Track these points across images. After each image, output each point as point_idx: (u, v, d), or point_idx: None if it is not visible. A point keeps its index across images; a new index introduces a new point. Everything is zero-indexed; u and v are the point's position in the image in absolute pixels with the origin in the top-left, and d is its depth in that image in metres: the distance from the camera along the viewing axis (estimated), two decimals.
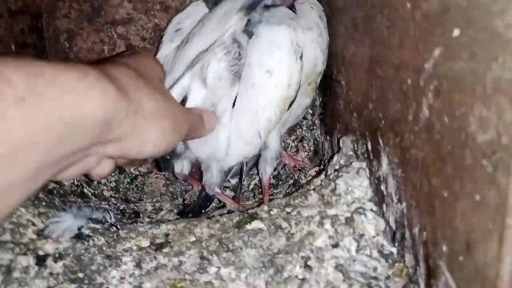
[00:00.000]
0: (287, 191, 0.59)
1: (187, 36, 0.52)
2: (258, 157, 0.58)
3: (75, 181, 0.63)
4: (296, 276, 0.34)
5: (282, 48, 0.48)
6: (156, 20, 0.67)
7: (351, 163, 0.42)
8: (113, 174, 0.67)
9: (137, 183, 0.68)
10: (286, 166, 0.64)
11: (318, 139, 0.63)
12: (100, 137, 0.29)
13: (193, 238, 0.42)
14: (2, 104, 0.23)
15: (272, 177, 0.63)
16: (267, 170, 0.57)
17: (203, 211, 0.60)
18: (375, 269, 0.33)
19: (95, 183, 0.65)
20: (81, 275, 0.38)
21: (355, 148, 0.44)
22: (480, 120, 0.22)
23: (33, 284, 0.37)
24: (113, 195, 0.65)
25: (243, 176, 0.62)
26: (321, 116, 0.62)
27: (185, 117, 0.38)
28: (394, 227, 0.34)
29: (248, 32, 0.51)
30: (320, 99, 0.62)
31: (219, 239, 0.41)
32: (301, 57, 0.49)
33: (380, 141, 0.37)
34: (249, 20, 0.52)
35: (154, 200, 0.65)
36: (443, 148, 0.26)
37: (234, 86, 0.50)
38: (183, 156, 0.56)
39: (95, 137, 0.28)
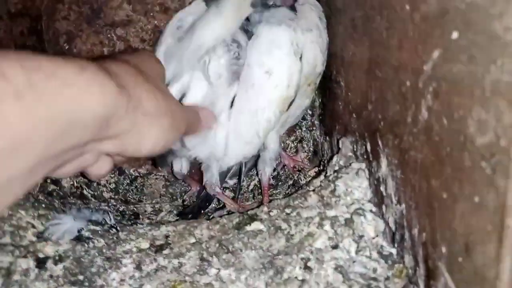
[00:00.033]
0: (287, 192, 0.59)
1: (190, 29, 0.52)
2: (257, 158, 0.59)
3: (75, 182, 0.63)
4: (296, 277, 0.34)
5: (282, 48, 0.49)
6: (156, 22, 0.67)
7: (350, 164, 0.42)
8: (112, 176, 0.68)
9: (136, 184, 0.68)
10: (285, 167, 0.64)
11: (318, 139, 0.63)
12: (99, 132, 0.29)
13: (193, 240, 0.42)
14: (0, 99, 0.23)
15: (272, 178, 0.63)
16: (266, 171, 0.57)
17: (202, 211, 0.60)
18: (374, 270, 0.33)
19: (95, 184, 0.65)
20: (81, 277, 0.38)
21: (355, 149, 0.44)
22: (479, 123, 0.22)
23: (33, 287, 0.37)
24: (112, 196, 0.65)
25: (242, 176, 0.62)
26: (320, 117, 0.62)
27: (184, 115, 0.38)
28: (393, 228, 0.34)
29: (248, 32, 0.52)
30: (320, 100, 0.62)
31: (219, 241, 0.41)
32: (300, 58, 0.49)
33: (379, 142, 0.37)
34: (248, 20, 0.52)
35: (153, 201, 0.65)
36: (442, 150, 0.26)
37: (232, 86, 0.50)
38: (180, 155, 0.56)
39: (94, 133, 0.28)
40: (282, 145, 0.66)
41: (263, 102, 0.50)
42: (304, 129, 0.66)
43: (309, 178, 0.57)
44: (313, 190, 0.42)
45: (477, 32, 0.22)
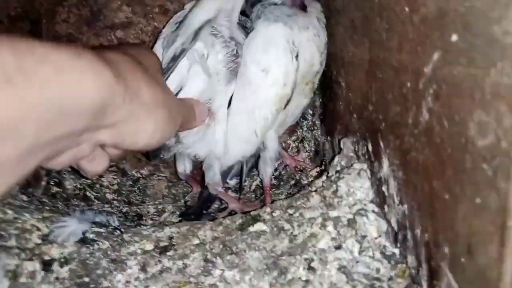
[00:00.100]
0: (289, 192, 0.60)
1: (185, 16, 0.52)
2: (258, 158, 0.59)
3: (78, 184, 0.63)
4: (300, 278, 0.35)
5: (278, 46, 0.49)
6: (155, 24, 0.68)
7: (352, 165, 0.42)
8: (115, 177, 0.68)
9: (139, 185, 0.68)
10: (287, 167, 0.64)
11: (319, 139, 0.63)
12: (95, 121, 0.28)
13: (196, 241, 0.42)
14: None
15: (274, 178, 0.63)
16: (267, 171, 0.58)
17: (204, 212, 0.60)
18: (377, 270, 0.34)
19: (98, 186, 0.65)
20: (87, 279, 0.39)
21: (356, 149, 0.44)
22: (480, 125, 0.22)
23: None
24: (115, 198, 0.65)
25: (244, 176, 0.62)
26: (321, 117, 0.62)
27: (180, 108, 0.38)
28: (396, 228, 0.35)
29: (245, 29, 0.52)
30: (320, 100, 0.62)
31: (222, 242, 0.41)
32: (297, 56, 0.49)
33: (381, 143, 0.37)
34: (246, 15, 0.52)
35: (156, 202, 0.65)
36: (443, 152, 0.26)
37: (231, 84, 0.51)
38: (176, 151, 0.56)
39: (89, 121, 0.28)
40: (284, 145, 0.66)
41: (259, 100, 0.50)
42: (305, 129, 0.66)
43: (311, 178, 0.57)
44: (315, 191, 0.43)
45: (476, 35, 0.22)
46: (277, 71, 0.49)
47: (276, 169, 0.63)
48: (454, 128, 0.25)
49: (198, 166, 0.62)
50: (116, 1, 0.67)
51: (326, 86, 0.57)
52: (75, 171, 0.48)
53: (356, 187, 0.40)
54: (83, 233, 0.44)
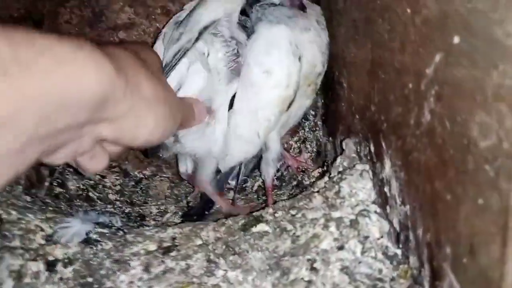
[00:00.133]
0: (291, 193, 0.60)
1: (187, 15, 0.53)
2: (259, 159, 0.59)
3: (81, 185, 0.64)
4: (302, 279, 0.35)
5: (280, 48, 0.49)
6: (158, 24, 0.68)
7: (354, 166, 0.42)
8: (117, 178, 0.68)
9: (141, 186, 0.68)
10: (289, 168, 0.64)
11: (321, 140, 0.63)
12: (95, 114, 0.28)
13: (199, 242, 0.42)
14: None
15: (276, 179, 0.63)
16: (269, 172, 0.58)
17: (206, 213, 0.60)
18: (380, 271, 0.34)
19: (100, 186, 0.66)
20: (90, 279, 0.39)
21: (358, 150, 0.45)
22: (481, 126, 0.22)
23: None
24: (118, 198, 0.66)
25: (240, 177, 0.62)
26: (323, 118, 0.63)
27: (180, 106, 0.38)
28: (398, 229, 0.35)
29: (246, 29, 0.52)
30: (322, 101, 0.62)
31: (225, 242, 0.41)
32: (299, 58, 0.50)
33: (383, 143, 0.37)
34: (247, 16, 0.53)
35: (159, 203, 0.65)
36: (445, 153, 0.26)
37: (232, 83, 0.51)
38: (175, 150, 0.56)
39: (89, 114, 0.27)
40: (285, 145, 0.66)
41: (262, 102, 0.50)
42: (307, 129, 0.66)
43: (313, 179, 0.57)
44: (318, 192, 0.43)
45: (478, 37, 0.22)
46: (280, 73, 0.49)
47: (278, 170, 0.63)
48: (456, 129, 0.25)
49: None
50: (119, 2, 0.67)
51: (328, 87, 0.57)
52: (75, 170, 0.48)
53: (359, 188, 0.40)
54: (87, 234, 0.44)
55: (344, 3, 0.49)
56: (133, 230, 0.47)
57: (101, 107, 0.28)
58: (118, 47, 0.32)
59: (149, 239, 0.44)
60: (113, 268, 0.40)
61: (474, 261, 0.24)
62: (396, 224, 0.35)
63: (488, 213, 0.22)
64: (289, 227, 0.40)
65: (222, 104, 0.51)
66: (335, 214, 0.39)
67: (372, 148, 0.40)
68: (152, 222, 0.59)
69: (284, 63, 0.49)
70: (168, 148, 0.56)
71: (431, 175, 0.28)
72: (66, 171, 0.64)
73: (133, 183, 0.68)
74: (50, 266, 0.40)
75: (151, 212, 0.62)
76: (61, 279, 0.39)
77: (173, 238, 0.43)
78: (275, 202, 0.51)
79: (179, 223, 0.54)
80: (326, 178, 0.45)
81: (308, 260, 0.36)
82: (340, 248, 0.36)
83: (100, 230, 0.45)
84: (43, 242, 0.43)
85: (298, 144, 0.67)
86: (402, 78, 0.33)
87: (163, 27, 0.58)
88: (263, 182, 0.60)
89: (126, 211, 0.62)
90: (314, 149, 0.65)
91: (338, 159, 0.46)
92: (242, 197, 0.65)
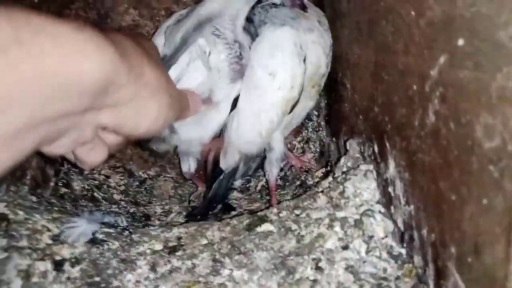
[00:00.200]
0: (294, 192, 0.60)
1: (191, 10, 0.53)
2: (263, 159, 0.59)
3: (86, 185, 0.64)
4: (308, 278, 0.35)
5: (285, 50, 0.49)
6: None
7: (358, 166, 0.43)
8: (122, 178, 0.69)
9: (146, 186, 0.69)
10: (292, 167, 0.65)
11: (324, 140, 0.63)
12: (97, 100, 0.27)
13: (205, 241, 0.43)
14: None
15: (279, 178, 0.64)
16: (273, 172, 0.58)
17: (210, 213, 0.61)
18: (384, 270, 0.34)
19: (105, 187, 0.66)
20: (97, 279, 0.39)
21: (362, 151, 0.45)
22: (486, 128, 0.23)
23: None
24: (123, 198, 0.66)
25: (238, 174, 0.62)
26: (326, 118, 0.63)
27: (179, 97, 0.37)
28: (402, 228, 0.35)
29: (250, 33, 0.52)
30: (325, 101, 0.62)
31: (230, 242, 0.42)
32: (304, 60, 0.50)
33: (387, 144, 0.38)
34: (250, 21, 0.53)
35: (163, 202, 0.66)
36: (450, 154, 0.26)
37: (235, 83, 0.51)
38: (171, 141, 0.57)
39: (91, 99, 0.26)
40: (289, 145, 0.67)
41: (266, 104, 0.50)
42: (310, 130, 0.66)
43: (317, 179, 0.58)
44: (322, 192, 0.43)
45: (482, 40, 0.23)
46: (284, 75, 0.49)
47: (281, 170, 0.64)
48: (461, 131, 0.25)
49: (203, 165, 0.63)
50: (123, 4, 0.67)
51: (331, 88, 0.57)
52: (73, 165, 0.48)
53: (363, 188, 0.40)
54: (93, 234, 0.45)
55: (348, 5, 0.49)
56: (139, 230, 0.47)
57: (103, 92, 0.27)
58: (120, 34, 0.31)
59: (154, 238, 0.44)
60: (120, 267, 0.40)
61: (478, 261, 0.24)
62: (400, 224, 0.35)
63: (492, 213, 0.22)
64: (294, 226, 0.41)
65: (223, 99, 0.52)
66: (340, 214, 0.39)
67: (376, 149, 0.41)
68: (157, 222, 0.59)
69: (288, 65, 0.49)
70: (165, 140, 0.56)
71: (435, 176, 0.29)
72: (71, 171, 0.64)
73: (137, 183, 0.68)
74: (58, 265, 0.40)
75: (155, 212, 0.63)
76: (68, 278, 0.39)
77: (179, 238, 0.44)
78: (279, 202, 0.51)
79: (184, 222, 0.55)
80: (330, 178, 0.45)
81: (313, 259, 0.37)
82: (345, 247, 0.37)
83: (106, 230, 0.46)
84: (50, 242, 0.44)
85: (302, 144, 0.67)
86: (406, 79, 0.33)
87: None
88: (267, 182, 0.60)
89: (131, 211, 0.63)
90: (318, 149, 0.65)
91: (342, 159, 0.46)
92: (246, 197, 0.65)
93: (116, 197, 0.66)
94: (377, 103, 0.40)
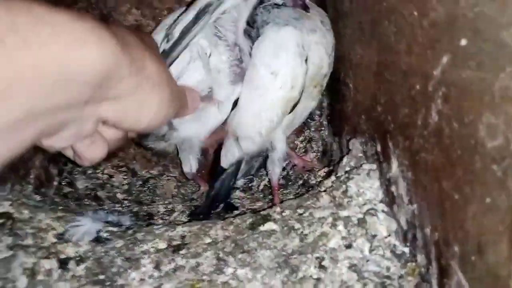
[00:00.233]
0: (297, 192, 0.60)
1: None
2: (265, 158, 0.60)
3: (89, 184, 0.64)
4: (311, 276, 0.36)
5: (288, 50, 0.49)
6: None
7: (361, 165, 0.43)
8: (125, 177, 0.69)
9: (149, 185, 0.69)
10: (295, 167, 0.65)
11: (326, 140, 0.64)
12: (98, 92, 0.26)
13: (208, 240, 0.43)
14: None
15: (282, 178, 0.64)
16: (275, 171, 0.58)
17: (212, 211, 0.61)
18: (388, 269, 0.34)
19: (109, 186, 0.66)
20: (102, 277, 0.39)
21: (365, 150, 0.45)
22: (489, 127, 0.23)
23: (56, 287, 0.38)
24: (126, 197, 0.66)
25: (240, 170, 0.62)
26: (328, 118, 0.63)
27: (179, 93, 0.37)
28: (405, 227, 0.35)
29: (251, 36, 0.53)
30: (328, 101, 0.63)
31: (234, 241, 0.42)
32: (306, 60, 0.50)
33: (390, 143, 0.38)
34: (251, 26, 0.53)
35: (166, 202, 0.66)
36: (453, 153, 0.27)
37: (235, 85, 0.52)
38: (170, 138, 0.57)
39: (91, 91, 0.26)
40: (291, 145, 0.67)
41: (266, 104, 0.51)
42: (312, 129, 0.67)
43: (319, 178, 0.58)
44: (325, 191, 0.43)
45: (485, 40, 0.23)
46: (286, 74, 0.49)
47: (284, 169, 0.64)
48: (464, 130, 0.25)
49: (204, 165, 0.63)
50: (126, 4, 0.68)
51: (334, 88, 0.57)
52: (72, 162, 0.48)
53: (366, 187, 0.41)
54: (97, 232, 0.45)
55: (350, 5, 0.49)
56: (143, 228, 0.47)
57: (104, 84, 0.26)
58: (122, 28, 0.31)
59: (158, 237, 0.44)
60: (124, 265, 0.40)
61: (482, 260, 0.24)
62: (403, 223, 0.36)
63: (495, 212, 0.23)
64: (297, 225, 0.41)
65: (224, 98, 0.52)
66: (343, 213, 0.40)
67: (379, 148, 0.41)
68: (160, 221, 0.60)
69: (290, 65, 0.49)
70: (163, 138, 0.56)
71: (438, 175, 0.29)
72: (75, 171, 0.64)
73: (140, 183, 0.69)
74: (63, 264, 0.41)
75: (158, 211, 0.63)
76: (73, 276, 0.39)
77: (183, 237, 0.44)
78: (281, 201, 0.51)
79: (187, 221, 0.55)
80: (333, 178, 0.45)
81: (317, 258, 0.37)
82: (348, 246, 0.37)
83: (110, 228, 0.46)
84: (55, 240, 0.44)
85: (304, 144, 0.68)
86: (409, 79, 0.33)
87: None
88: (269, 181, 0.60)
89: (134, 210, 0.63)
90: (320, 149, 0.65)
91: (345, 159, 0.46)
92: (248, 196, 0.65)
93: (120, 196, 0.66)
94: (379, 102, 0.40)
